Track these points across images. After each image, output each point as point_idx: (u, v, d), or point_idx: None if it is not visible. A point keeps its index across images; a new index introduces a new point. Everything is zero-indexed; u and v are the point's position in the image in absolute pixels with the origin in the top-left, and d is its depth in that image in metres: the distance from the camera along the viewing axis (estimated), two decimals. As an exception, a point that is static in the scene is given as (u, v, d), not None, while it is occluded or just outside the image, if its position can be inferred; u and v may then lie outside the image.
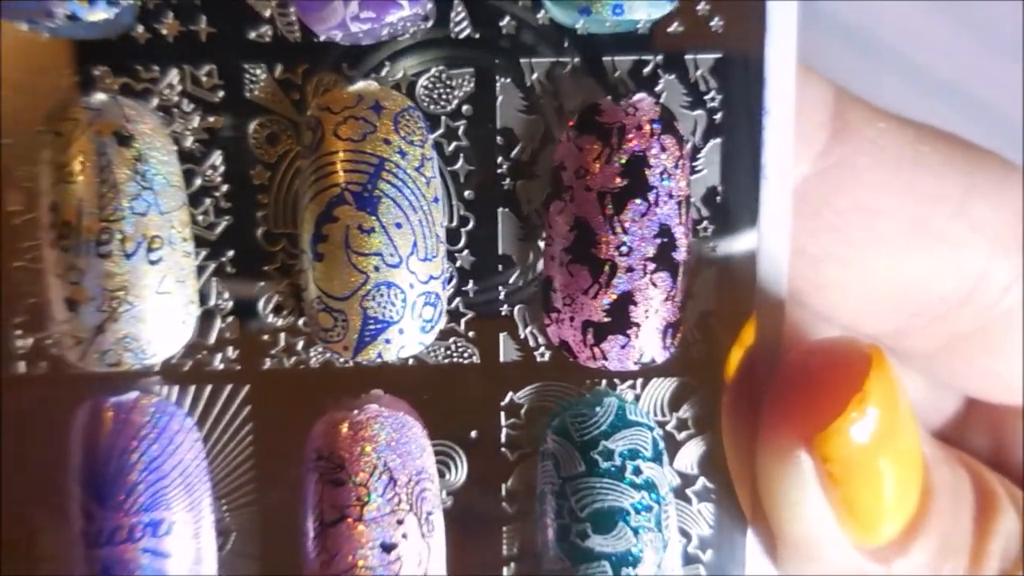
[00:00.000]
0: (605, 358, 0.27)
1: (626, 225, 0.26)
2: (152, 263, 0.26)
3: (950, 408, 0.35)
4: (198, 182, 0.27)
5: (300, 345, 0.28)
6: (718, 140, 0.27)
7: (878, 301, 0.31)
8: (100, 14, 0.25)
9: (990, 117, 0.49)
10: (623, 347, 0.27)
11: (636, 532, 0.27)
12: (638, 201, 0.26)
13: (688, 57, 0.27)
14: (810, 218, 0.29)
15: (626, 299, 0.26)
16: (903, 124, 0.30)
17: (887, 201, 0.29)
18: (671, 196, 0.26)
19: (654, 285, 0.26)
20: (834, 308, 0.32)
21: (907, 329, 0.32)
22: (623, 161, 0.26)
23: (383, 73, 0.27)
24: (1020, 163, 0.49)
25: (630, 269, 0.26)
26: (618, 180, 0.26)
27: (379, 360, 0.26)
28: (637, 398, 0.29)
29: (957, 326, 0.32)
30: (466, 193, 0.28)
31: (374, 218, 0.26)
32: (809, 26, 0.48)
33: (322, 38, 0.27)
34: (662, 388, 0.28)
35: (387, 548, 0.27)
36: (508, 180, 0.28)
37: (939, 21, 0.48)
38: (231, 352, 0.28)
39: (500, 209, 0.28)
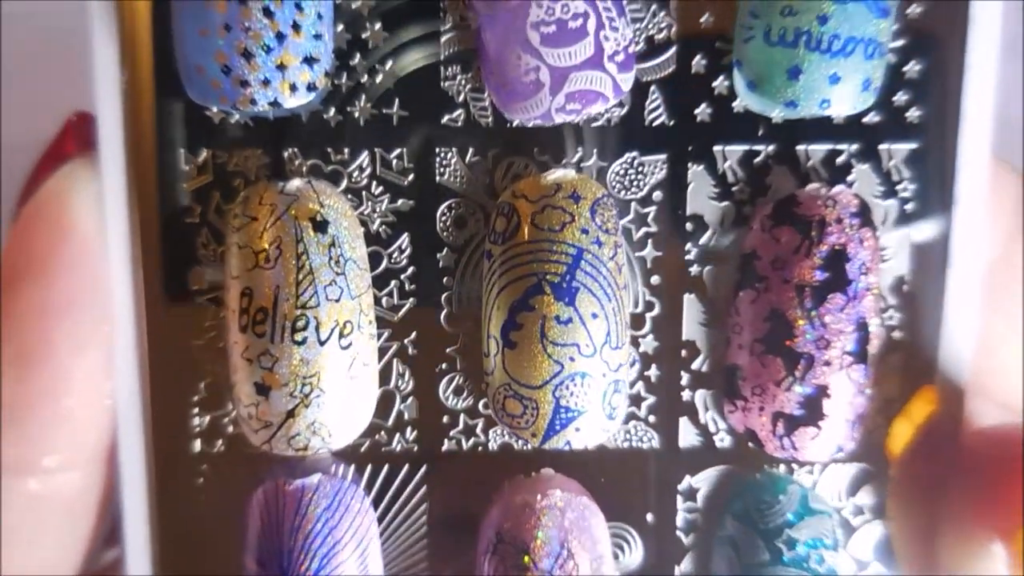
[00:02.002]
0: (795, 448, 0.27)
1: (825, 319, 0.26)
2: (343, 348, 0.26)
3: None
4: (384, 264, 0.27)
5: (479, 427, 0.28)
6: (908, 229, 0.27)
7: None
8: (301, 100, 0.25)
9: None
10: (814, 439, 0.26)
11: (818, 620, 0.27)
12: (838, 295, 0.26)
13: (883, 147, 0.27)
14: (989, 303, 0.29)
15: (821, 392, 0.26)
16: None
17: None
18: (868, 289, 0.26)
19: (849, 379, 0.26)
20: (994, 388, 0.32)
21: None
22: (823, 254, 0.26)
23: (574, 159, 0.27)
24: (1021, 163, 0.49)
25: (827, 363, 0.26)
26: (818, 273, 0.26)
27: (567, 448, 0.26)
28: (814, 483, 0.29)
29: None
30: (652, 279, 0.28)
31: (572, 308, 0.26)
32: None
33: (515, 123, 0.27)
34: (841, 473, 0.28)
35: (569, 634, 0.27)
36: (695, 266, 0.28)
37: None
38: (409, 433, 0.28)
39: (686, 295, 0.28)
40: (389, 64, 0.26)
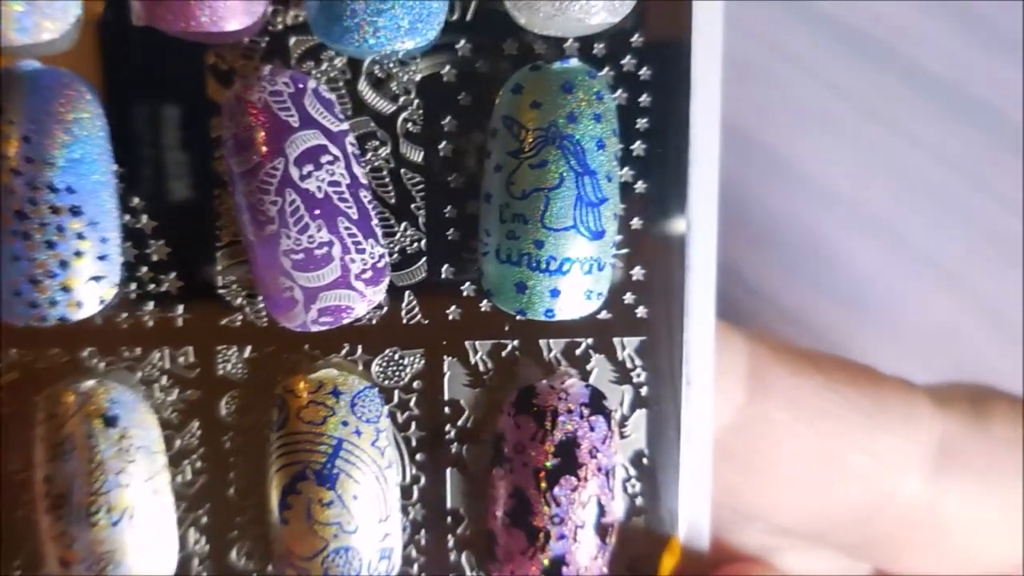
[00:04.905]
0: (542, 608, 0.30)
1: (559, 499, 0.29)
2: (135, 527, 0.29)
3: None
4: (178, 445, 0.30)
5: (269, 586, 0.31)
6: (644, 410, 0.31)
7: (795, 519, 0.35)
8: (89, 312, 0.28)
9: (990, 117, 0.51)
10: (557, 600, 0.30)
11: None
12: (570, 478, 0.29)
13: (616, 339, 0.30)
14: (731, 461, 0.32)
15: (559, 562, 0.29)
16: (814, 375, 0.33)
17: (800, 447, 0.33)
18: (599, 469, 0.29)
19: (584, 549, 0.29)
20: (754, 510, 0.35)
21: (824, 534, 0.36)
22: (556, 442, 0.29)
23: (342, 353, 0.30)
24: (1020, 162, 0.50)
25: (562, 536, 0.29)
26: (551, 459, 0.29)
27: (339, 611, 0.30)
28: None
29: (871, 531, 0.35)
30: (417, 456, 0.31)
31: (333, 492, 0.29)
32: (807, 26, 0.50)
33: (287, 323, 0.30)
34: (595, 623, 0.32)
35: None
36: (455, 444, 0.31)
37: (939, 21, 0.50)
38: (207, 591, 0.31)
39: (448, 469, 0.31)
40: (172, 275, 0.30)
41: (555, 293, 0.28)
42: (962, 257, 0.51)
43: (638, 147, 0.29)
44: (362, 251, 0.28)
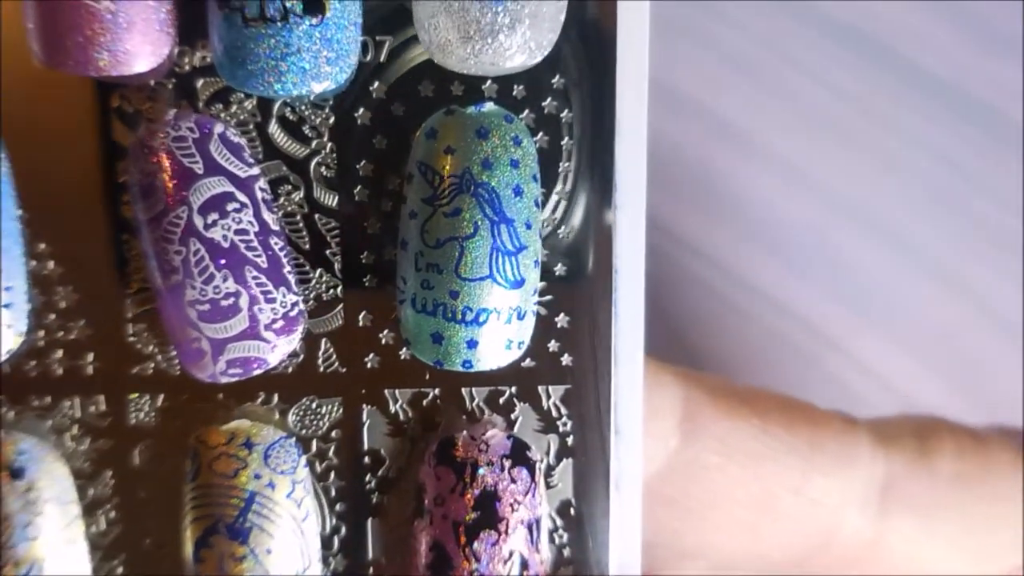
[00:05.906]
0: (464, 664, 0.29)
1: (479, 554, 0.28)
2: (45, 580, 0.29)
3: None
4: (91, 495, 0.30)
5: (187, 638, 0.31)
6: (570, 460, 0.30)
7: (735, 561, 0.34)
8: (-9, 364, 0.28)
9: (990, 117, 0.50)
10: (479, 656, 0.29)
11: None
12: (491, 531, 0.28)
13: (541, 387, 0.29)
14: (664, 506, 0.32)
15: (480, 617, 0.29)
16: (749, 418, 0.32)
17: (735, 490, 0.32)
18: (522, 523, 0.29)
19: (506, 604, 0.29)
20: (695, 550, 0.34)
21: (766, 573, 0.35)
22: (476, 494, 0.28)
23: (258, 401, 0.29)
24: (1020, 162, 0.50)
25: (482, 592, 0.28)
26: (471, 512, 0.28)
27: (255, 665, 0.29)
28: None
29: (814, 571, 0.35)
30: (337, 506, 0.30)
31: (245, 547, 0.28)
32: (805, 25, 0.49)
33: (201, 371, 0.29)
34: (523, 674, 0.31)
35: None
36: (376, 495, 0.30)
37: (939, 21, 0.50)
38: (124, 642, 0.31)
39: (369, 519, 0.30)
40: (82, 322, 0.29)
41: (472, 344, 0.27)
42: (962, 257, 0.50)
43: (561, 191, 0.28)
44: (272, 300, 0.27)
